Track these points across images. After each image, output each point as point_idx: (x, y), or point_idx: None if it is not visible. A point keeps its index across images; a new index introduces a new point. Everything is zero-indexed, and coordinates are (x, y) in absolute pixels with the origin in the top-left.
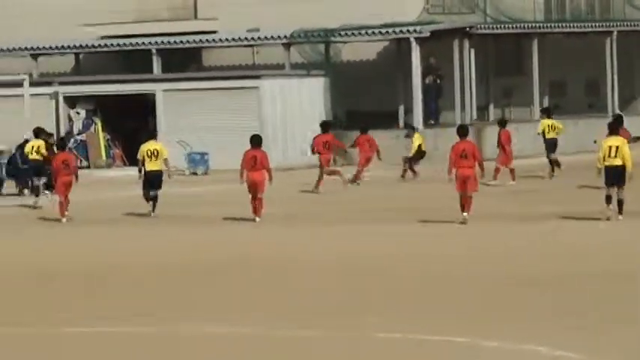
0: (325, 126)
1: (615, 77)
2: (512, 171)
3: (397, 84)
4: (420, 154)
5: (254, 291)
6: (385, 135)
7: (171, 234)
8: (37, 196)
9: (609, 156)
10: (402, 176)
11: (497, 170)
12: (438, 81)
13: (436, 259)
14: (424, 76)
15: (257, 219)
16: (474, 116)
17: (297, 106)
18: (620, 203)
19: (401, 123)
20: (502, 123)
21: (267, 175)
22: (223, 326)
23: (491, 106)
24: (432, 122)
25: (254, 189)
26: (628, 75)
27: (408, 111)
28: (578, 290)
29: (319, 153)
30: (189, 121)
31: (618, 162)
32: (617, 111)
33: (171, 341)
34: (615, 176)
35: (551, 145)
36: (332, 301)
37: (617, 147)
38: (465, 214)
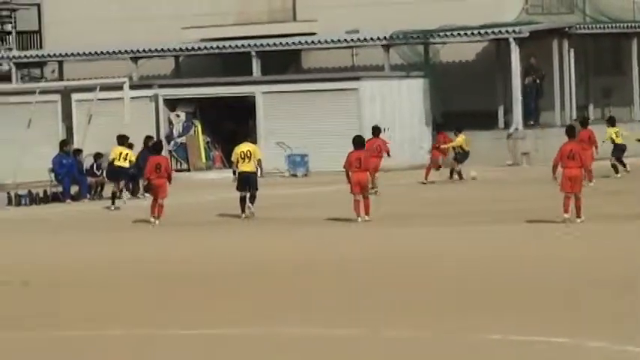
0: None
1: None
2: (589, 172)
3: (496, 84)
4: (463, 155)
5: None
6: (485, 136)
7: (272, 235)
8: (114, 199)
9: None
10: (450, 177)
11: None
12: (538, 81)
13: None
14: (523, 76)
15: (365, 217)
16: (574, 116)
17: (397, 107)
18: None
19: (501, 124)
20: (583, 123)
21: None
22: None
23: (591, 106)
24: (532, 122)
25: (360, 189)
26: None
27: (508, 111)
28: None
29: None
30: (289, 123)
31: None
32: None
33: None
34: None
35: (620, 151)
36: (435, 301)
37: None
38: (578, 219)
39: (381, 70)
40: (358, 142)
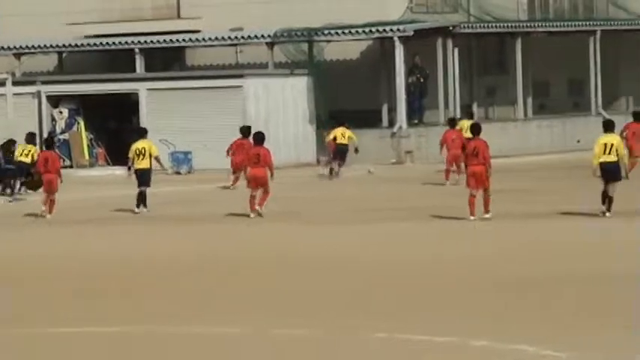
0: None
1: (599, 77)
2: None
3: (381, 83)
4: (337, 150)
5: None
6: (369, 134)
7: (173, 231)
8: (11, 194)
9: (605, 153)
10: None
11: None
12: (422, 80)
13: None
14: (408, 75)
15: (259, 209)
16: (458, 115)
17: (281, 105)
18: (610, 201)
19: (385, 122)
20: (451, 123)
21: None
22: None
23: (475, 105)
24: (416, 121)
25: (255, 184)
26: (611, 74)
27: (392, 110)
28: (567, 292)
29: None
30: (173, 120)
31: (613, 158)
32: (601, 110)
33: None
34: (611, 172)
35: None
36: (331, 301)
37: (613, 144)
38: (485, 215)
39: (265, 68)
40: (258, 138)
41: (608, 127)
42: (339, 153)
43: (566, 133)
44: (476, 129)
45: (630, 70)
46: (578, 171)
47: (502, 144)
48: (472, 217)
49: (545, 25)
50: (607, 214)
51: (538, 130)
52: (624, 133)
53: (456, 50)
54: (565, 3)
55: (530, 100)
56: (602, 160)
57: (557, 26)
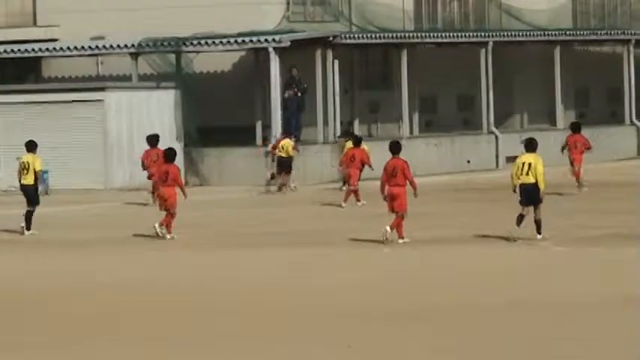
0: None
1: (491, 92)
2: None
3: (255, 97)
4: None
5: None
6: (241, 153)
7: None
8: None
9: (522, 173)
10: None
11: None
12: (299, 94)
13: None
14: (284, 89)
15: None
16: (338, 132)
17: (146, 120)
18: (537, 223)
19: (259, 140)
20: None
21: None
22: None
23: (357, 122)
24: (294, 139)
25: (164, 204)
26: (505, 89)
27: (267, 127)
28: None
29: None
30: (28, 137)
31: (531, 180)
32: (493, 128)
33: None
34: (529, 195)
35: None
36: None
37: (530, 164)
38: (400, 240)
39: (128, 81)
40: (169, 155)
41: (529, 145)
42: (280, 166)
43: (455, 152)
44: (394, 148)
45: (525, 85)
46: (470, 194)
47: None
48: (400, 241)
49: (433, 36)
50: (537, 236)
51: (425, 149)
52: (566, 147)
53: (337, 62)
54: (455, 12)
55: (416, 117)
56: (520, 181)
57: (446, 37)
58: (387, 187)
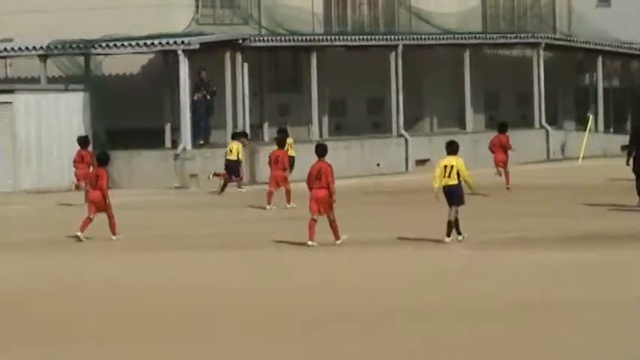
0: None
1: (400, 95)
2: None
3: (164, 100)
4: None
5: None
6: (150, 156)
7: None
8: None
9: (445, 176)
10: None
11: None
12: (209, 97)
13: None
14: (193, 91)
15: (80, 235)
16: (248, 135)
17: (55, 123)
18: (456, 222)
19: (168, 143)
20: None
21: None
22: None
23: (266, 125)
24: (202, 142)
25: (94, 208)
26: (414, 92)
27: (176, 130)
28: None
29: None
30: None
31: (453, 182)
32: (403, 131)
33: None
34: (451, 196)
35: None
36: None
37: (453, 166)
38: (337, 241)
39: (37, 83)
40: (101, 158)
41: (450, 148)
42: (227, 170)
43: (365, 155)
44: (320, 150)
45: (435, 88)
46: (380, 197)
47: (296, 167)
48: (310, 243)
49: (343, 39)
50: (446, 239)
51: (334, 152)
52: (493, 148)
53: (246, 65)
54: (364, 15)
55: (326, 120)
56: (443, 183)
57: (355, 40)
58: (313, 190)
